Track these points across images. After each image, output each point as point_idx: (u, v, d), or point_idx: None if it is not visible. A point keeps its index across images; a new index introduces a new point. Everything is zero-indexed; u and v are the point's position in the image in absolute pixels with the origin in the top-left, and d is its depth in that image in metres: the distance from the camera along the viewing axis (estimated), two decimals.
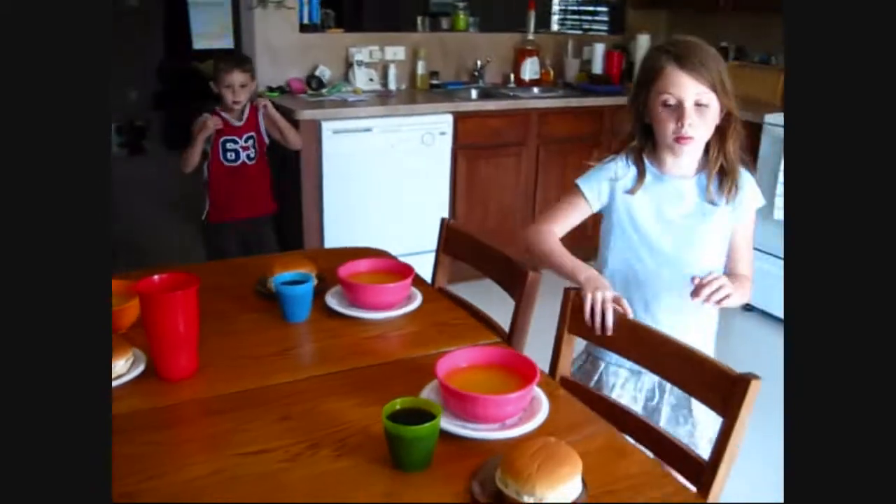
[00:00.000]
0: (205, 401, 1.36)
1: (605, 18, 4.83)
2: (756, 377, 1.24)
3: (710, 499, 1.22)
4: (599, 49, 4.51)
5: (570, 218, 1.70)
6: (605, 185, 1.67)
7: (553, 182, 4.14)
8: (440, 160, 3.76)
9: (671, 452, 1.36)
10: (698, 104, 1.54)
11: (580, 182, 1.69)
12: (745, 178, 1.64)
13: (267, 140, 3.20)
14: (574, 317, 1.57)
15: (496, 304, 1.84)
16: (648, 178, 1.65)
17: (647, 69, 1.60)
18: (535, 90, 4.32)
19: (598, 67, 4.51)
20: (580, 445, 1.12)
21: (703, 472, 1.28)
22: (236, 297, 1.75)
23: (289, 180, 3.65)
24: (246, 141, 3.15)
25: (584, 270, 1.56)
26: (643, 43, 4.46)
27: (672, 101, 1.55)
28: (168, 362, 1.38)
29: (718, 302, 1.49)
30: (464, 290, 1.97)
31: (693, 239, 1.63)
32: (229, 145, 3.12)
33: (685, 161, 1.64)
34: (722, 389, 1.27)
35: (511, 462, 1.05)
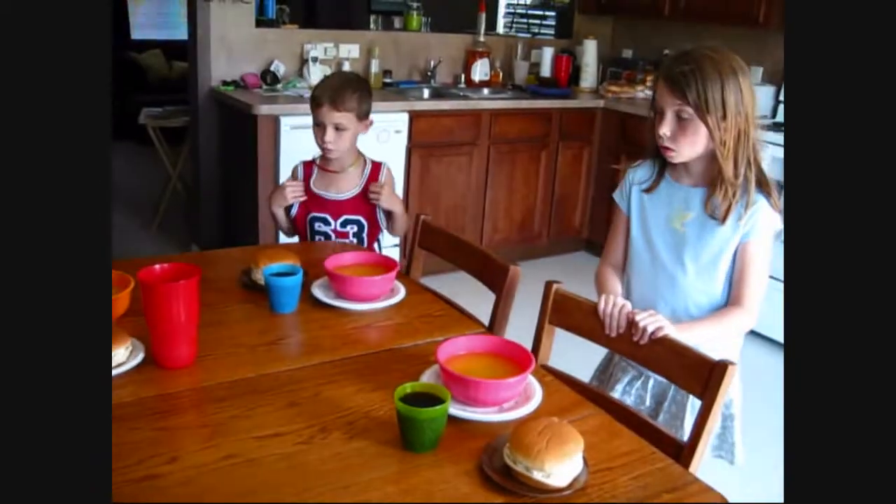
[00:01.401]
0: (206, 388, 1.39)
1: (553, 23, 4.95)
2: (732, 363, 1.36)
3: (691, 470, 1.32)
4: (548, 52, 4.63)
5: (617, 236, 1.78)
6: (627, 187, 1.76)
7: (503, 181, 4.25)
8: (395, 158, 3.80)
9: (650, 434, 1.45)
10: (679, 117, 1.55)
11: (614, 194, 1.79)
12: (758, 202, 1.59)
13: (384, 226, 2.32)
14: (555, 308, 1.65)
15: (465, 296, 1.93)
16: (663, 182, 1.69)
17: (656, 76, 1.64)
18: (486, 91, 4.42)
19: (546, 70, 4.63)
20: (576, 426, 1.19)
21: (681, 451, 1.38)
22: (221, 289, 1.78)
23: (244, 173, 3.65)
24: (343, 225, 2.23)
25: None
26: (590, 48, 4.60)
27: (658, 109, 1.58)
28: (169, 351, 1.40)
29: (652, 335, 1.48)
30: (432, 283, 2.04)
31: (686, 248, 1.65)
32: (318, 225, 2.23)
33: (693, 170, 1.64)
34: (702, 375, 1.38)
35: (520, 439, 1.13)
